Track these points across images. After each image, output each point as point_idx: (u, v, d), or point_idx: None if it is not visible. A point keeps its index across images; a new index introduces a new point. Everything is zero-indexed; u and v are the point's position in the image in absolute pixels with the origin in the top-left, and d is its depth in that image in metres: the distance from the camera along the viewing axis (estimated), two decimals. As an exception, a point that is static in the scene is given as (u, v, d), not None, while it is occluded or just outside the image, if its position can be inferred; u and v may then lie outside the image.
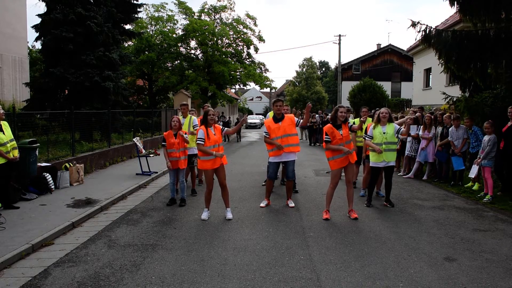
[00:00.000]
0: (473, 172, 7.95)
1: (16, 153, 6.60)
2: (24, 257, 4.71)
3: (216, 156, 5.99)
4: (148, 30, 28.58)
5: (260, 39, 30.92)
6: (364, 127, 7.55)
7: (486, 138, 7.56)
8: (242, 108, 61.07)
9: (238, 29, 30.06)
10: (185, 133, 7.22)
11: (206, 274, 4.18)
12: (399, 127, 6.82)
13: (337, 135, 6.09)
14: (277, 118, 6.79)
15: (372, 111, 7.70)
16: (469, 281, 4.03)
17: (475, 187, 8.23)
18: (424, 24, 8.67)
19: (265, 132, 6.89)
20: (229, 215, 6.24)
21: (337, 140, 6.09)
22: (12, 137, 6.64)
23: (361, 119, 7.58)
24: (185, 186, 7.21)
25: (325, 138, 6.17)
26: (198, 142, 6.00)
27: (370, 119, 8.03)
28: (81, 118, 11.18)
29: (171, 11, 31.20)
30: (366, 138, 6.93)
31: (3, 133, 6.40)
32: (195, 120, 8.17)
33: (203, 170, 6.24)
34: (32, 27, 13.74)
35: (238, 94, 61.84)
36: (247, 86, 36.51)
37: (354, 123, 7.66)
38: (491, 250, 4.90)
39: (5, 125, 6.56)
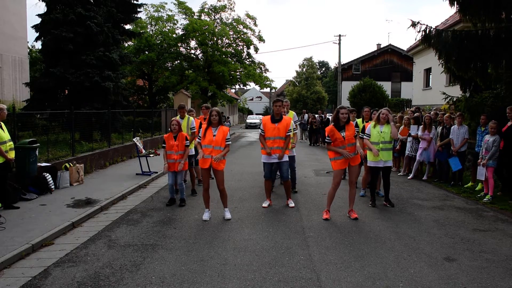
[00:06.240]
0: (482, 173, 7.57)
1: (12, 155, 6.57)
2: (24, 257, 4.71)
3: (204, 156, 5.99)
4: (148, 30, 28.58)
5: (260, 39, 30.94)
6: (360, 126, 7.56)
7: (490, 138, 7.39)
8: (242, 108, 61.08)
9: (238, 29, 30.06)
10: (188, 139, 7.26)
11: (206, 274, 4.18)
12: (395, 130, 6.83)
13: (338, 137, 6.04)
14: (275, 119, 6.70)
15: (372, 111, 7.71)
16: (469, 281, 4.03)
17: (479, 187, 8.15)
18: (424, 24, 8.68)
19: (261, 129, 6.83)
20: (228, 215, 6.24)
21: (338, 142, 6.07)
22: (10, 137, 6.62)
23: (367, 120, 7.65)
24: (183, 188, 7.19)
25: (326, 139, 6.22)
26: (197, 140, 6.28)
27: (360, 120, 8.11)
28: (81, 118, 11.18)
29: (171, 11, 31.32)
30: (364, 137, 6.92)
31: (3, 131, 6.40)
32: (193, 122, 8.16)
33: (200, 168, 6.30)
34: (32, 27, 13.75)
35: (238, 94, 61.85)
36: (247, 86, 36.57)
37: (357, 123, 7.66)
38: (491, 250, 4.91)
39: (3, 125, 6.55)
